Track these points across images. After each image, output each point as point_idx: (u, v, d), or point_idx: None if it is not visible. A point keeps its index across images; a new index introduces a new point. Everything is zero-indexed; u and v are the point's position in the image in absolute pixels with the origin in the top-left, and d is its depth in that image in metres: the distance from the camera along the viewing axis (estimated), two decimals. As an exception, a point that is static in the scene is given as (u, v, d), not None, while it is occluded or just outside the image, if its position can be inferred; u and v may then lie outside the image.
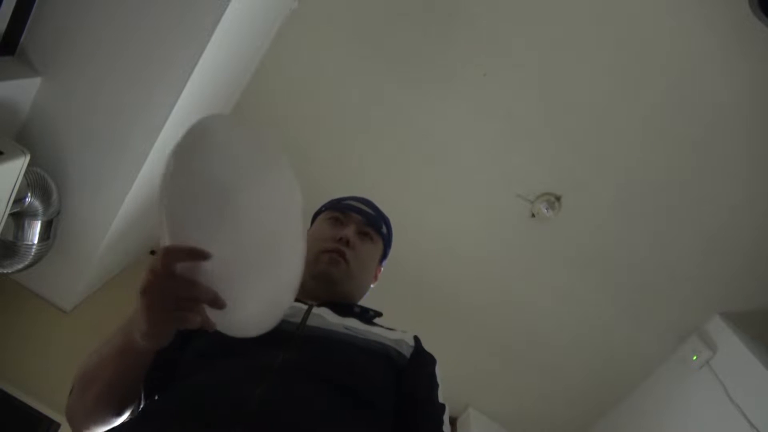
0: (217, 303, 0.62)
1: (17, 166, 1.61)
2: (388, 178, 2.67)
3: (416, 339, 0.99)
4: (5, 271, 1.93)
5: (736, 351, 2.41)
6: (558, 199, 2.56)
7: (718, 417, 2.33)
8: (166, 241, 0.62)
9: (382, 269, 1.18)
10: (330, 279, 1.01)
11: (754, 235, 2.50)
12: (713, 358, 2.49)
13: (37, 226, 1.86)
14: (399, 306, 2.79)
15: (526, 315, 2.85)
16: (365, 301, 1.10)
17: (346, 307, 0.99)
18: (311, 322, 0.89)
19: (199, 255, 0.60)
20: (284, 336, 0.83)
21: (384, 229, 1.16)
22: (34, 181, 1.78)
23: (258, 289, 0.69)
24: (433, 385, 0.90)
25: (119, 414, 0.80)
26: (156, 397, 0.81)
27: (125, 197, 1.97)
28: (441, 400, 0.89)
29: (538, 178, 2.55)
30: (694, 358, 2.54)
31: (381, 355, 0.89)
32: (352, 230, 1.07)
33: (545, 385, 2.99)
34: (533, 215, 2.61)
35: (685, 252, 2.58)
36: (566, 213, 2.58)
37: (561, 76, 2.37)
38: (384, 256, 1.18)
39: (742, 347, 2.37)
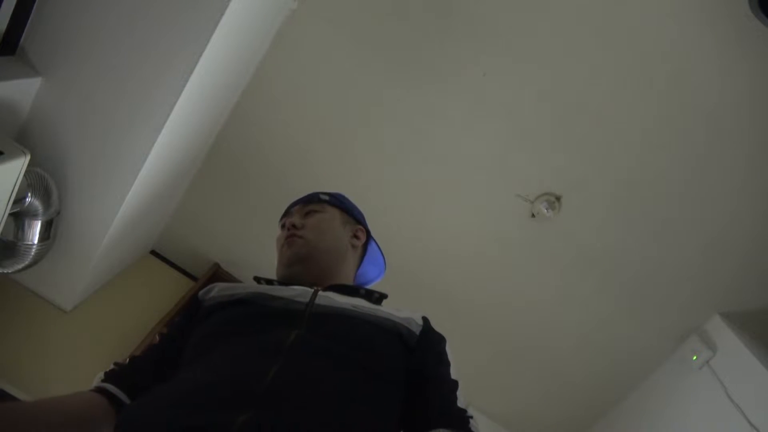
0: None
1: (17, 166, 1.61)
2: (388, 178, 2.67)
3: (425, 319, 1.00)
4: (5, 271, 1.93)
5: (736, 351, 2.41)
6: (558, 199, 2.56)
7: (718, 417, 2.33)
8: None
9: (363, 230, 1.20)
10: (296, 257, 1.04)
11: (754, 235, 2.50)
12: (713, 358, 2.49)
13: (37, 226, 1.86)
14: (398, 305, 2.79)
15: (526, 315, 2.85)
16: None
17: (350, 288, 1.02)
18: (319, 301, 0.91)
19: None
20: (295, 314, 0.85)
21: (324, 197, 1.18)
22: (34, 181, 1.78)
23: None
24: (443, 362, 0.91)
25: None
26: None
27: (125, 197, 1.97)
28: (454, 377, 0.88)
29: (538, 178, 2.55)
30: (694, 358, 2.54)
31: (392, 331, 0.90)
32: (295, 217, 1.12)
33: (545, 384, 2.99)
34: (533, 215, 2.61)
35: (685, 252, 2.58)
36: (566, 213, 2.58)
37: (561, 76, 2.37)
38: (354, 217, 1.20)
39: (742, 347, 2.37)
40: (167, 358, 0.88)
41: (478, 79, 2.40)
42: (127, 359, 0.93)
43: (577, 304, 2.78)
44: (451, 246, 2.76)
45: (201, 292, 1.01)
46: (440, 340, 0.96)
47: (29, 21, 1.72)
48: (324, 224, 1.11)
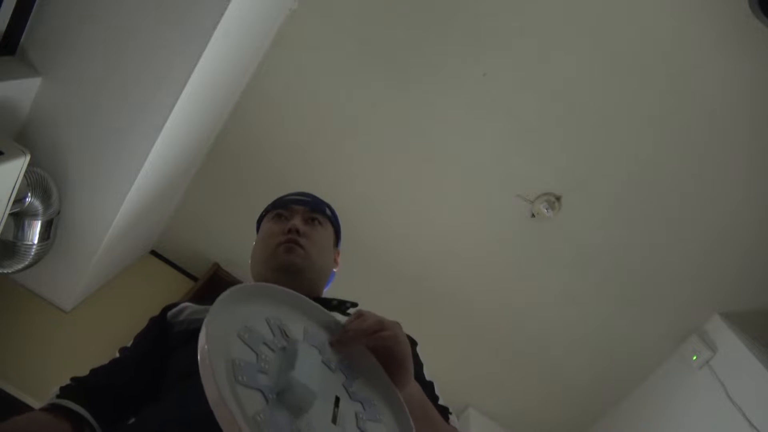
0: None
1: (17, 166, 1.61)
2: (388, 178, 2.67)
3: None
4: (5, 271, 1.92)
5: (736, 351, 2.41)
6: (558, 199, 2.56)
7: (718, 417, 2.33)
8: None
9: (339, 253, 1.18)
10: (293, 268, 0.99)
11: (754, 235, 2.50)
12: (713, 358, 2.49)
13: (37, 226, 1.86)
14: (398, 305, 2.79)
15: (526, 315, 2.85)
16: (335, 291, 1.10)
17: (322, 301, 0.97)
18: None
19: None
20: None
21: (328, 212, 1.15)
22: (34, 181, 1.78)
23: None
24: (417, 364, 0.91)
25: None
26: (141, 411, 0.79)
27: (125, 197, 1.97)
28: (428, 377, 0.90)
29: (538, 178, 2.55)
30: (694, 358, 2.54)
31: None
32: (299, 219, 1.06)
33: (545, 384, 2.99)
34: (533, 215, 2.61)
35: (685, 252, 2.58)
36: (566, 213, 2.58)
37: (561, 77, 2.37)
38: (338, 239, 1.18)
39: (742, 347, 2.37)
40: (128, 381, 0.86)
41: (478, 79, 2.40)
42: (88, 374, 0.89)
43: (577, 304, 2.78)
44: (451, 246, 2.76)
45: (170, 314, 0.95)
46: (413, 344, 0.96)
47: (29, 21, 1.72)
48: (325, 242, 1.09)
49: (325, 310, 0.79)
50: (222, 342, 0.60)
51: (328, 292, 1.12)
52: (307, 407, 0.61)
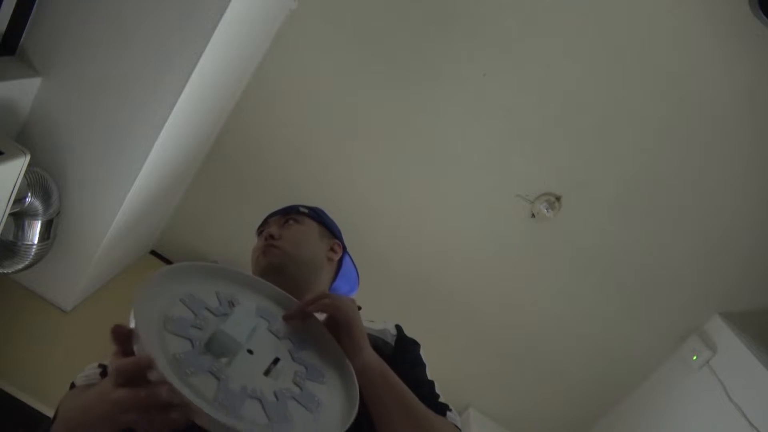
0: None
1: (17, 166, 1.61)
2: (388, 178, 2.67)
3: (398, 327, 1.02)
4: (5, 271, 1.92)
5: (736, 351, 2.41)
6: (558, 199, 2.56)
7: (718, 417, 2.33)
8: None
9: (339, 244, 1.20)
10: (271, 267, 1.03)
11: (754, 235, 2.50)
12: (713, 358, 2.49)
13: (37, 226, 1.86)
14: (399, 306, 2.80)
15: (526, 315, 2.85)
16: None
17: None
18: None
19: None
20: None
21: (303, 209, 1.18)
22: (34, 181, 1.78)
23: None
24: (419, 364, 0.94)
25: None
26: None
27: (125, 197, 1.97)
28: (429, 377, 0.92)
29: (538, 178, 2.55)
30: (694, 358, 2.54)
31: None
32: (273, 227, 1.12)
33: (545, 385, 2.99)
34: (533, 215, 2.61)
35: (685, 252, 2.58)
36: (566, 213, 2.58)
37: (561, 76, 2.37)
38: (332, 231, 1.20)
39: (742, 347, 2.37)
40: None
41: (478, 79, 2.40)
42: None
43: (577, 304, 2.78)
44: (451, 246, 2.76)
45: None
46: (414, 345, 0.98)
47: (29, 21, 1.72)
48: (301, 236, 1.11)
49: (283, 292, 0.84)
50: (161, 302, 0.67)
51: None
52: (230, 355, 0.65)
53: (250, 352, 0.69)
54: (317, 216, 1.19)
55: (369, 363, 0.78)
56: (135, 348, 0.59)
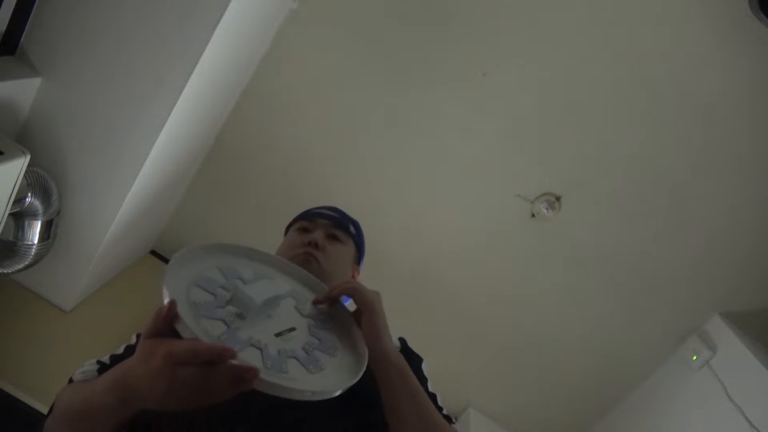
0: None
1: (17, 166, 1.61)
2: (388, 178, 2.67)
3: (402, 340, 1.02)
4: (5, 271, 1.93)
5: (736, 351, 2.41)
6: (558, 199, 2.56)
7: (718, 417, 2.33)
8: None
9: (359, 271, 1.20)
10: None
11: (754, 235, 2.50)
12: (713, 358, 2.49)
13: (37, 226, 1.86)
14: (399, 306, 2.79)
15: (525, 315, 2.85)
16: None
17: None
18: None
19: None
20: None
21: (352, 229, 1.17)
22: (34, 181, 1.78)
23: None
24: (422, 378, 0.94)
25: None
26: None
27: (125, 197, 1.97)
28: (431, 390, 0.93)
29: (538, 178, 2.55)
30: (694, 358, 2.54)
31: None
32: (321, 234, 1.09)
33: (545, 385, 2.99)
34: (533, 215, 2.61)
35: (685, 252, 2.58)
36: (566, 213, 2.58)
37: (561, 76, 2.37)
38: (360, 256, 1.20)
39: (742, 347, 2.37)
40: None
41: (478, 79, 2.40)
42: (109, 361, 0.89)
43: (577, 303, 2.78)
44: (451, 246, 2.76)
45: None
46: (419, 360, 0.99)
47: (29, 21, 1.72)
48: (341, 259, 1.10)
49: (317, 280, 0.91)
50: (201, 265, 0.76)
51: None
52: (244, 309, 0.71)
53: (269, 317, 0.74)
54: (358, 240, 1.19)
55: (387, 351, 0.80)
56: (164, 290, 0.65)
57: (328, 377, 0.70)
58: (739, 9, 2.04)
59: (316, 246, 1.05)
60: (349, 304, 0.89)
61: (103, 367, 0.85)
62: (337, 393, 0.67)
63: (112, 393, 0.65)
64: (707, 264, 2.59)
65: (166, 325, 0.62)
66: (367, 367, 0.75)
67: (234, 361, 0.58)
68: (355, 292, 0.83)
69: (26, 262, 1.92)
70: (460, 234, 2.74)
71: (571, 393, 2.98)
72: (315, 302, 0.85)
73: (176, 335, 0.62)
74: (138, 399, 0.62)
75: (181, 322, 0.61)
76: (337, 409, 0.77)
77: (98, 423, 0.70)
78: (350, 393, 0.71)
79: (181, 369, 0.57)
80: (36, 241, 1.88)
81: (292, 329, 0.75)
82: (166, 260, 2.90)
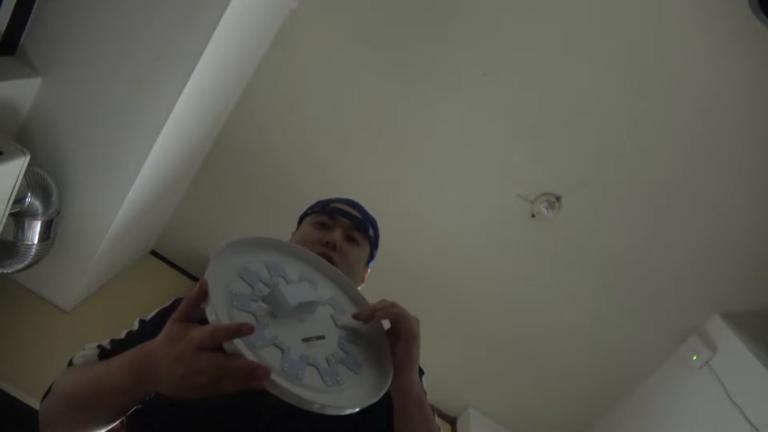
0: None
1: (17, 166, 1.61)
2: (388, 178, 2.67)
3: None
4: (5, 271, 1.92)
5: (736, 351, 2.41)
6: (558, 199, 2.56)
7: (718, 417, 2.33)
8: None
9: (369, 271, 1.19)
10: None
11: (754, 235, 2.51)
12: (713, 358, 2.49)
13: (37, 226, 1.86)
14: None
15: (526, 315, 2.85)
16: None
17: None
18: None
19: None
20: None
21: (371, 232, 1.16)
22: (34, 181, 1.78)
23: None
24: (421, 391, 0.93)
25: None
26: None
27: (125, 197, 1.97)
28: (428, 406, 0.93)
29: (538, 178, 2.55)
30: (694, 358, 2.54)
31: None
32: (340, 234, 1.07)
33: (545, 385, 2.99)
34: (533, 215, 2.61)
35: (685, 252, 2.58)
36: (566, 213, 2.58)
37: (561, 76, 2.37)
38: (371, 258, 1.19)
39: (742, 347, 2.37)
40: None
41: (478, 79, 2.40)
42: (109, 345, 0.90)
43: (577, 304, 2.78)
44: (451, 246, 2.76)
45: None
46: (420, 372, 0.98)
47: (29, 21, 1.72)
48: (357, 263, 1.09)
49: (361, 294, 0.89)
50: (245, 258, 0.78)
51: None
52: (277, 308, 0.71)
53: (301, 321, 0.74)
54: (374, 243, 1.18)
55: (412, 382, 0.79)
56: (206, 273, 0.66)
57: (342, 394, 0.69)
58: (738, 9, 2.04)
59: (334, 247, 1.03)
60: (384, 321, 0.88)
61: (103, 351, 0.86)
62: (347, 412, 0.66)
63: (128, 372, 0.66)
64: (707, 264, 2.59)
65: (196, 306, 0.63)
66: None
67: (251, 358, 0.59)
68: (401, 320, 0.80)
69: (26, 262, 1.92)
70: (460, 234, 2.74)
71: (571, 393, 2.98)
72: (355, 317, 0.82)
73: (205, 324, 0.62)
74: (153, 380, 0.62)
75: (209, 304, 0.61)
76: (345, 425, 0.76)
77: (105, 404, 0.71)
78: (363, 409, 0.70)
79: (203, 355, 0.57)
80: (36, 241, 1.88)
81: (321, 337, 0.74)
82: (166, 260, 2.90)
